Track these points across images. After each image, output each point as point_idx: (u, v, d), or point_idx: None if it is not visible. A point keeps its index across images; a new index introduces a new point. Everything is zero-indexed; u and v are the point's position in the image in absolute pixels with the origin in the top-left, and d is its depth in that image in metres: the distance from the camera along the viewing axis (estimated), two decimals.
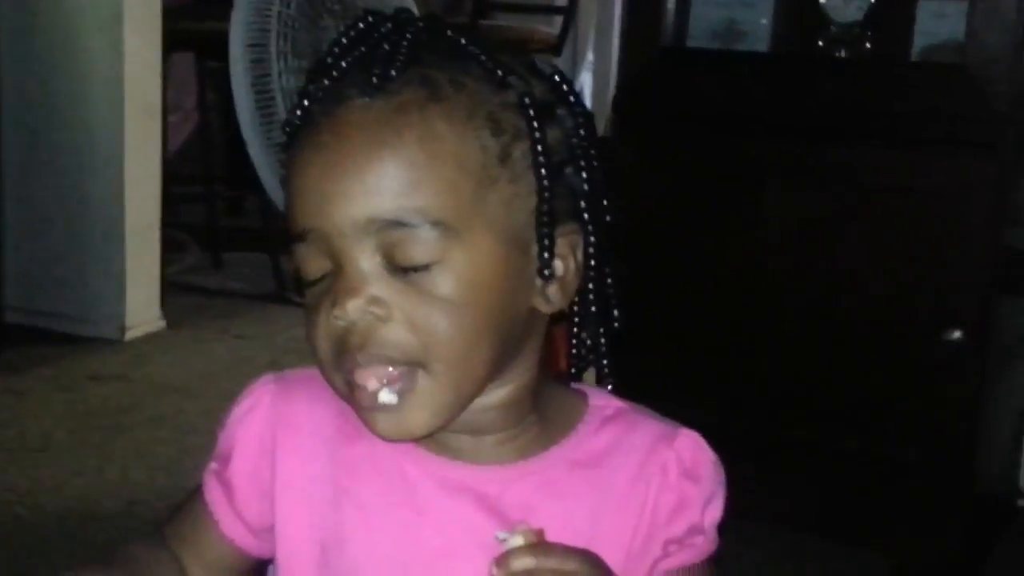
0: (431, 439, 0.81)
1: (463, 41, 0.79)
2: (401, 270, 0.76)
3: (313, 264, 0.77)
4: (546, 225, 0.79)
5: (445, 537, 0.80)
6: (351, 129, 0.75)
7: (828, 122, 1.99)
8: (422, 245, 0.75)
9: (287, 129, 0.80)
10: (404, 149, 0.75)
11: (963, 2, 1.90)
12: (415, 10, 2.44)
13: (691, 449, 0.83)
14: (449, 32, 0.79)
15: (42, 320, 3.20)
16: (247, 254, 3.98)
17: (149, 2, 3.13)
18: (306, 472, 0.83)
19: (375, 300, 0.75)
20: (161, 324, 3.27)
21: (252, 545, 0.86)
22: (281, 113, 2.09)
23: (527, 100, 0.78)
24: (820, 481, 2.00)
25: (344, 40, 0.79)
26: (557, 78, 0.82)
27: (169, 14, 3.22)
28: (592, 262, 0.82)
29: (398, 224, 0.75)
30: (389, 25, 0.79)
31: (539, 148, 0.78)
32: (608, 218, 0.82)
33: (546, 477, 0.81)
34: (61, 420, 2.65)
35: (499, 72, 0.78)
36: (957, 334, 1.86)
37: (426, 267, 0.76)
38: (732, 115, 2.05)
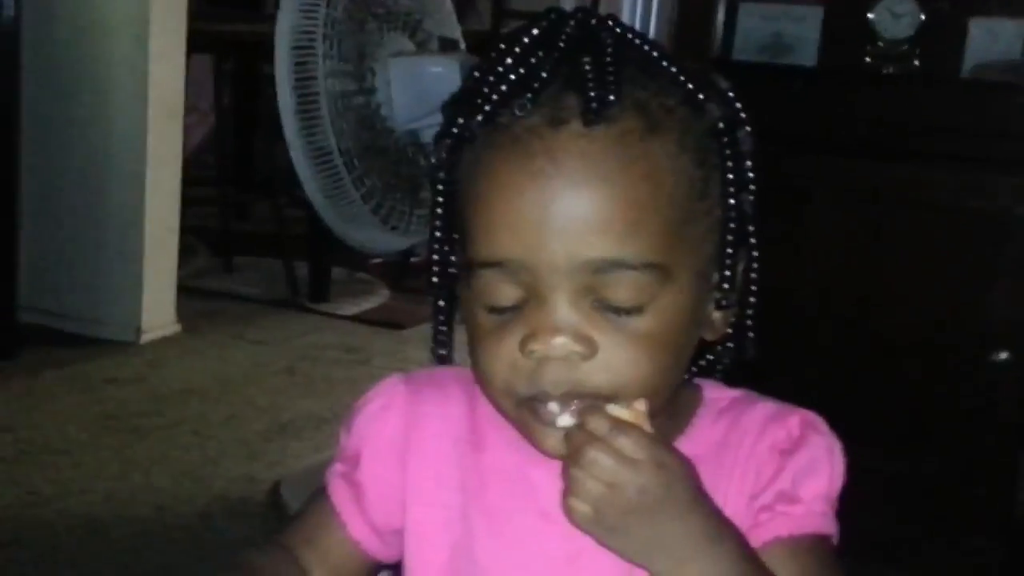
0: None
1: (657, 55, 0.75)
2: (612, 311, 0.73)
3: (504, 292, 0.74)
4: (732, 256, 0.77)
5: (574, 541, 0.77)
6: (573, 161, 0.71)
7: (874, 138, 1.99)
8: (637, 287, 0.72)
9: (465, 133, 0.74)
10: (629, 186, 0.71)
11: (1017, 21, 1.90)
12: (452, 12, 2.43)
13: (801, 426, 0.81)
14: (643, 43, 0.76)
15: (58, 321, 3.17)
16: (258, 259, 3.95)
17: (174, 3, 3.11)
18: (437, 476, 0.82)
19: (580, 338, 0.72)
20: (176, 328, 3.25)
21: (378, 548, 0.84)
22: (325, 117, 2.06)
23: (722, 126, 0.75)
24: (861, 503, 1.98)
25: (527, 41, 0.75)
26: (732, 94, 0.79)
27: (189, 16, 3.19)
28: (753, 287, 0.80)
29: (618, 266, 0.72)
30: (573, 26, 0.75)
31: (731, 178, 0.75)
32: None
33: None
34: (80, 423, 2.62)
35: (700, 96, 0.75)
36: (1004, 355, 1.86)
37: (638, 309, 0.73)
38: (778, 129, 2.03)
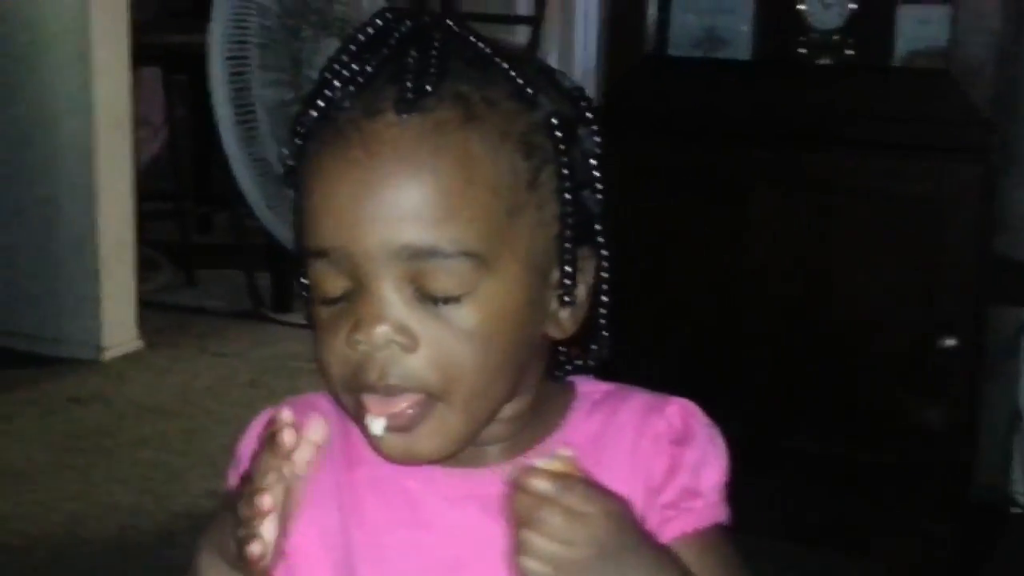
0: None
1: (490, 51, 0.76)
2: (431, 300, 0.74)
3: (332, 282, 0.75)
4: (571, 252, 0.77)
5: (454, 548, 0.79)
6: (386, 148, 0.73)
7: (811, 128, 2.01)
8: (454, 276, 0.73)
9: (301, 130, 0.76)
10: (442, 174, 0.73)
11: (945, 7, 1.92)
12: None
13: (681, 415, 0.82)
14: (476, 40, 0.77)
15: (18, 342, 3.15)
16: (220, 271, 3.95)
17: (116, 15, 3.09)
18: (312, 498, 0.81)
19: (401, 329, 0.73)
20: (139, 344, 3.24)
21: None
22: (263, 126, 2.08)
23: (555, 121, 0.76)
24: (813, 490, 2.01)
25: (362, 39, 0.76)
26: (577, 93, 0.80)
27: (135, 28, 3.19)
28: (603, 285, 0.81)
29: (432, 253, 0.73)
30: (408, 25, 0.77)
31: (566, 173, 0.77)
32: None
33: None
34: (43, 444, 2.62)
35: (529, 90, 0.76)
36: (951, 341, 1.88)
37: (456, 299, 0.74)
38: (715, 122, 2.06)
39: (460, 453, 0.79)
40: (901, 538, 1.94)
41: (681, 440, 0.81)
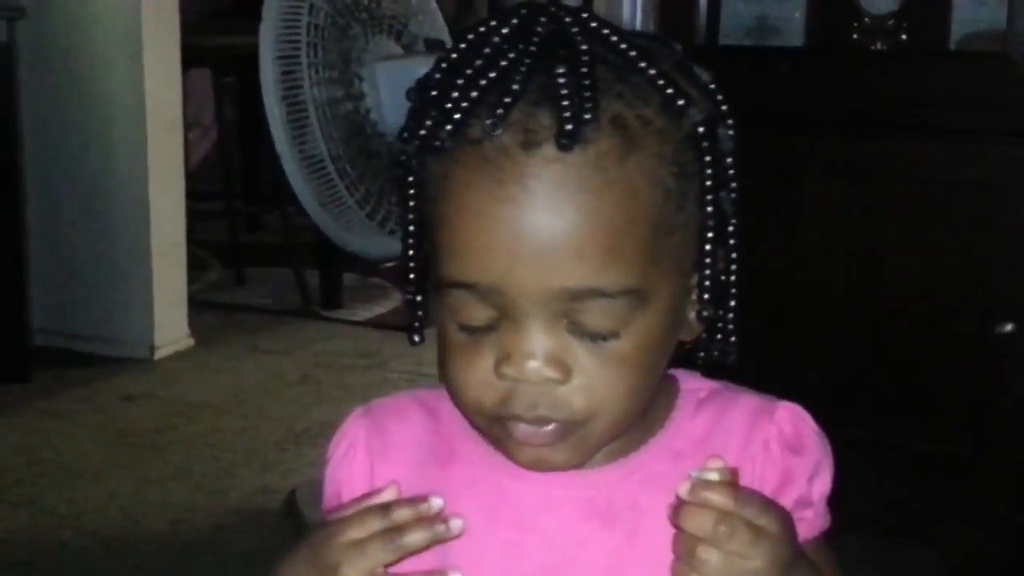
0: None
1: (635, 54, 0.70)
2: (588, 335, 0.70)
3: (475, 311, 0.71)
4: (712, 256, 0.74)
5: (554, 552, 0.77)
6: (547, 187, 0.67)
7: (866, 115, 1.97)
8: (613, 314, 0.70)
9: (437, 144, 0.70)
10: (605, 213, 0.68)
11: None
12: (438, 13, 2.43)
13: (792, 421, 0.79)
14: (619, 41, 0.71)
15: (71, 342, 3.19)
16: (269, 269, 3.97)
17: (167, 18, 3.13)
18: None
19: (555, 363, 0.70)
20: (189, 342, 3.26)
21: None
22: (314, 125, 2.07)
23: (702, 130, 0.71)
24: (873, 479, 1.97)
25: (498, 40, 0.70)
26: (713, 87, 0.76)
27: (185, 30, 3.21)
28: (733, 288, 0.77)
29: (593, 294, 0.69)
30: (544, 21, 0.71)
31: (710, 182, 0.72)
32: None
33: (650, 472, 0.77)
34: (97, 442, 2.64)
35: (680, 101, 0.70)
36: (1009, 327, 1.84)
37: (614, 334, 0.70)
38: (769, 111, 2.02)
39: None
40: (966, 528, 1.90)
41: (794, 448, 0.78)
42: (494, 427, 0.74)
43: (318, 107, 2.13)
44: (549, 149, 0.67)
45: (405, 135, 0.73)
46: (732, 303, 0.77)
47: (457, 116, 0.69)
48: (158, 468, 2.51)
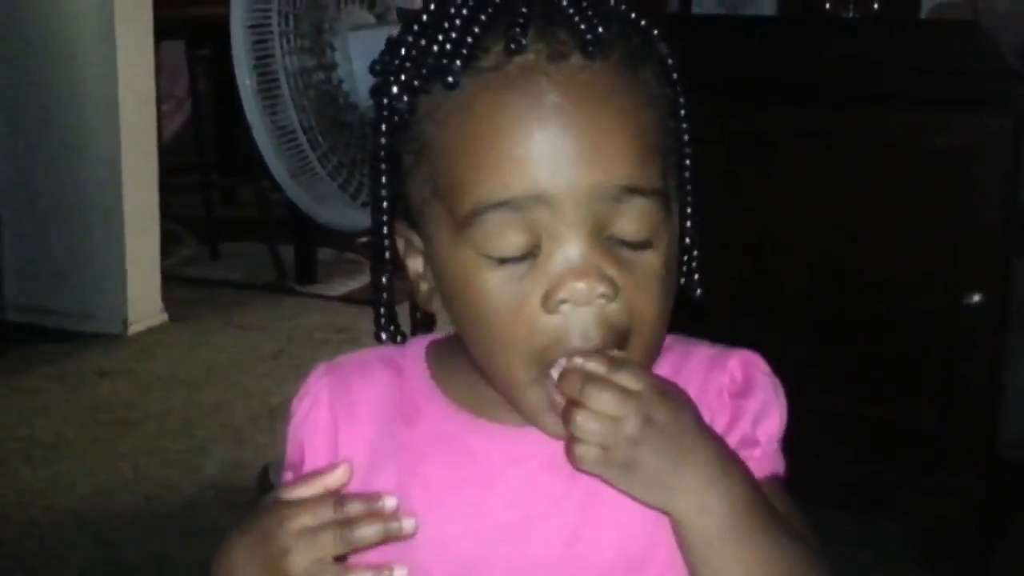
0: (498, 405, 0.78)
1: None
2: (626, 245, 0.72)
3: (512, 239, 0.71)
4: (692, 195, 0.78)
5: (517, 508, 0.77)
6: (583, 91, 0.71)
7: (838, 83, 1.97)
8: (648, 218, 0.72)
9: (451, 80, 0.71)
10: (636, 113, 0.72)
11: None
12: None
13: (743, 367, 0.80)
14: None
15: (44, 318, 3.17)
16: (244, 244, 3.95)
17: None
18: (371, 457, 0.80)
19: (605, 279, 0.71)
20: (163, 317, 3.25)
21: None
22: (286, 95, 2.05)
23: (670, 61, 0.76)
24: (842, 450, 1.98)
25: None
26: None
27: (157, 2, 3.18)
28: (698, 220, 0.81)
29: (633, 193, 0.71)
30: None
31: (684, 105, 0.77)
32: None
33: None
34: (70, 418, 2.62)
35: (654, 31, 0.75)
36: (977, 297, 1.84)
37: (649, 243, 0.72)
38: (742, 80, 2.02)
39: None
40: (931, 496, 1.91)
41: (741, 391, 0.79)
42: (536, 392, 0.73)
43: (290, 77, 2.11)
44: (576, 59, 0.71)
45: (397, 87, 0.74)
46: (696, 244, 0.81)
47: (466, 49, 0.71)
48: (131, 444, 2.50)
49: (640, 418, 0.69)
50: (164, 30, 3.37)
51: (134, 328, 3.16)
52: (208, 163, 4.03)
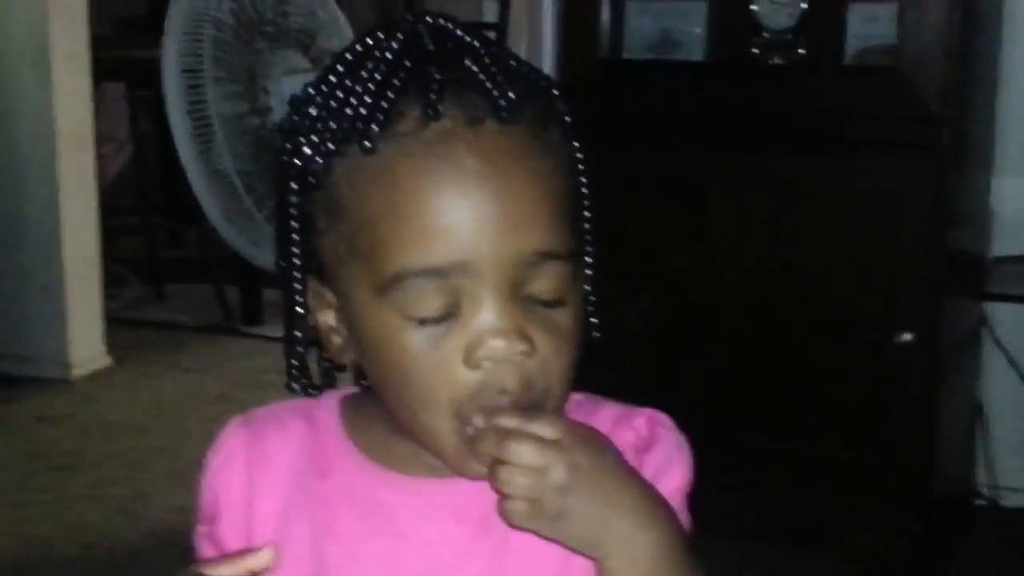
0: (410, 458, 0.79)
1: (506, 55, 0.77)
2: (540, 304, 0.74)
3: (433, 301, 0.72)
4: (592, 244, 0.79)
5: (430, 559, 0.78)
6: (499, 157, 0.72)
7: (765, 127, 2.01)
8: (562, 277, 0.74)
9: (369, 145, 0.72)
10: (549, 177, 0.74)
11: (893, 4, 1.93)
12: (347, 26, 2.44)
13: (648, 425, 0.81)
14: (492, 47, 0.77)
15: None
16: (189, 285, 3.93)
17: (76, 33, 3.09)
18: (284, 511, 0.81)
19: (523, 337, 0.72)
20: (107, 360, 3.23)
21: None
22: (220, 140, 2.07)
23: (568, 119, 0.78)
24: (775, 487, 2.01)
25: (396, 47, 0.74)
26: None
27: (97, 43, 3.18)
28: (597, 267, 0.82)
29: (547, 256, 0.73)
30: (426, 32, 0.75)
31: (584, 164, 0.78)
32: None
33: None
34: (9, 464, 2.60)
35: (554, 89, 0.77)
36: (908, 336, 1.88)
37: (561, 301, 0.74)
38: (670, 124, 2.06)
39: (435, 461, 0.78)
40: (865, 534, 1.94)
41: (644, 448, 0.80)
42: (461, 440, 0.74)
43: (224, 122, 2.13)
44: (491, 123, 0.72)
45: (310, 148, 0.75)
46: (595, 289, 0.82)
47: (382, 114, 0.72)
48: (72, 490, 2.48)
49: (564, 465, 0.70)
50: (104, 72, 3.37)
51: (77, 372, 3.14)
52: (151, 204, 4.02)
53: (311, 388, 0.83)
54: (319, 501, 0.81)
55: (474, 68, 0.74)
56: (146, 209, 3.97)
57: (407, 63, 0.74)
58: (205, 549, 0.83)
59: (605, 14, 2.11)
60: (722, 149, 2.02)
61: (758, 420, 2.00)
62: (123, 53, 3.59)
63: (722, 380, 2.03)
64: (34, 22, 3.01)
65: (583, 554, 0.73)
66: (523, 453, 0.70)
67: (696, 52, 2.14)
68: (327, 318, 0.80)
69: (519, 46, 5.05)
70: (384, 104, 0.73)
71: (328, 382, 0.85)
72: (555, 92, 0.78)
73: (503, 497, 0.71)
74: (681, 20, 2.14)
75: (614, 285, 2.16)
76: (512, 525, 0.72)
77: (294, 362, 0.82)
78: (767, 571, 2.01)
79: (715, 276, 2.02)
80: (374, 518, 0.79)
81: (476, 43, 0.76)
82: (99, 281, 3.23)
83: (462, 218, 0.71)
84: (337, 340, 0.80)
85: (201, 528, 0.84)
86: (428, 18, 0.77)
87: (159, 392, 3.07)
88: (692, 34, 2.13)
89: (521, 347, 0.72)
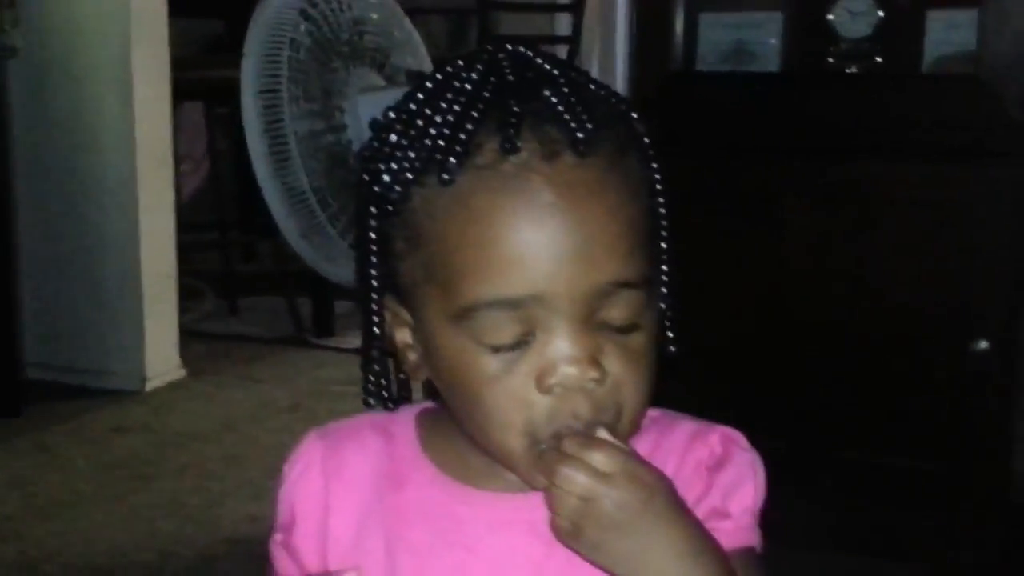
0: (484, 473, 0.79)
1: (586, 79, 0.77)
2: (613, 330, 0.74)
3: (508, 329, 0.73)
4: (668, 263, 0.80)
5: (500, 572, 0.78)
6: (575, 190, 0.72)
7: (843, 138, 1.98)
8: (637, 305, 0.74)
9: (447, 177, 0.73)
10: (624, 207, 0.74)
11: (973, 10, 1.90)
12: (421, 45, 2.45)
13: (723, 443, 0.81)
14: (572, 72, 0.77)
15: (63, 375, 3.20)
16: (263, 298, 3.98)
17: (158, 54, 3.16)
18: (359, 523, 0.81)
19: (594, 365, 0.73)
20: (181, 373, 3.27)
21: None
22: (296, 158, 2.08)
23: (647, 140, 0.78)
24: (854, 498, 1.98)
25: (475, 77, 0.75)
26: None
27: (177, 64, 3.24)
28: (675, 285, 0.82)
29: (622, 286, 0.73)
30: (506, 59, 0.76)
31: (661, 188, 0.79)
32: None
33: None
34: (87, 474, 2.64)
35: (632, 114, 0.77)
36: (984, 345, 1.85)
37: (636, 326, 0.75)
38: (746, 136, 2.04)
39: (511, 476, 0.78)
40: (946, 543, 1.90)
41: (718, 465, 0.80)
42: (535, 459, 0.74)
43: (300, 140, 2.15)
44: (568, 156, 0.73)
45: (389, 175, 0.75)
46: (673, 304, 0.82)
47: (460, 146, 0.73)
48: (147, 499, 2.51)
49: (611, 501, 0.71)
50: (183, 92, 3.43)
51: (152, 384, 3.18)
52: (227, 220, 4.07)
53: (389, 403, 0.84)
54: (393, 514, 0.81)
55: (553, 99, 0.74)
56: (222, 225, 4.03)
57: (486, 94, 0.74)
58: (280, 558, 0.84)
59: (679, 26, 2.10)
60: (799, 161, 1.99)
61: (840, 432, 1.97)
62: (201, 73, 3.65)
63: (804, 393, 2.00)
64: (118, 44, 3.08)
65: None
66: (574, 481, 0.71)
67: (771, 63, 2.12)
68: (404, 336, 0.81)
69: (591, 59, 5.06)
70: (463, 136, 0.73)
71: (405, 396, 0.86)
72: (634, 116, 0.78)
73: (552, 512, 0.73)
74: (756, 31, 2.12)
75: (694, 302, 2.16)
76: (557, 539, 0.73)
77: (371, 378, 0.83)
78: None
79: (794, 290, 2.00)
80: (446, 532, 0.80)
81: (556, 71, 0.76)
82: (175, 296, 3.29)
83: (537, 251, 0.72)
84: (413, 357, 0.81)
85: (277, 537, 0.84)
86: (509, 46, 0.78)
87: (231, 404, 3.10)
88: (767, 45, 2.12)
89: (593, 374, 0.73)
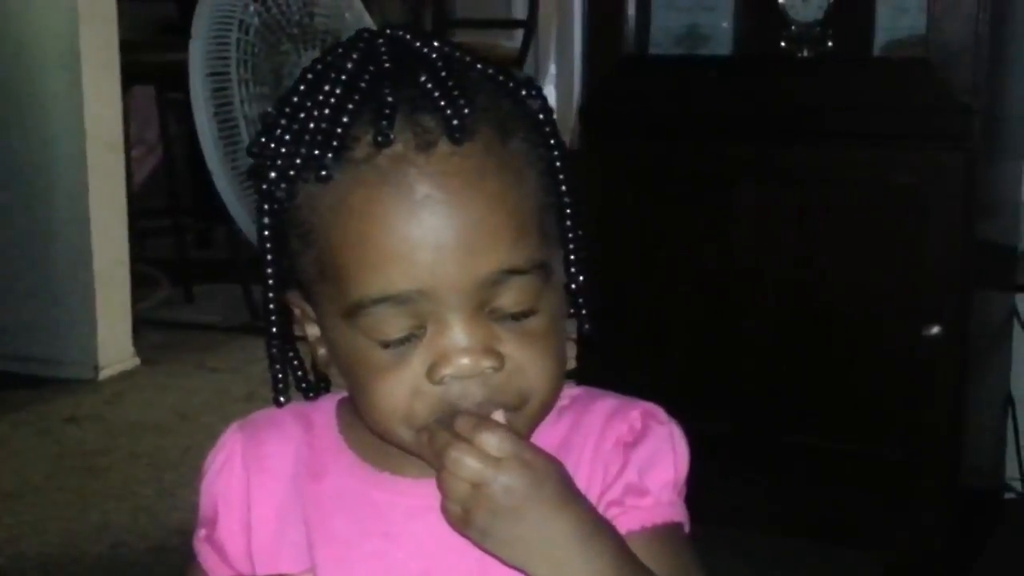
0: (401, 459, 0.79)
1: (471, 60, 0.76)
2: (508, 317, 0.73)
3: (397, 324, 0.73)
4: (575, 241, 0.78)
5: (420, 558, 0.78)
6: (452, 180, 0.71)
7: (794, 122, 1.99)
8: (529, 290, 0.73)
9: (324, 173, 0.72)
10: (506, 195, 0.72)
11: None
12: (374, 27, 2.43)
13: (642, 418, 0.81)
14: (456, 52, 0.76)
15: (13, 364, 3.16)
16: (218, 286, 3.95)
17: (106, 37, 3.11)
18: (279, 514, 0.81)
19: (488, 353, 0.72)
20: (135, 361, 3.24)
21: None
22: (245, 141, 2.06)
23: (542, 117, 0.77)
24: (804, 483, 1.99)
25: (351, 67, 0.73)
26: (534, 81, 0.80)
27: (127, 48, 3.20)
28: (573, 259, 0.80)
29: (510, 274, 0.72)
30: (386, 44, 0.74)
31: (562, 165, 0.77)
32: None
33: None
34: (38, 464, 2.61)
35: (522, 91, 0.76)
36: (936, 330, 1.86)
37: (532, 311, 0.74)
38: (699, 119, 2.04)
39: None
40: (896, 529, 1.91)
41: (636, 441, 0.80)
42: (422, 438, 0.74)
43: (249, 123, 2.13)
44: (444, 145, 0.71)
45: (274, 172, 0.74)
46: (583, 277, 0.80)
47: (336, 140, 0.71)
48: (99, 490, 2.49)
49: (498, 486, 0.70)
50: (135, 75, 3.38)
51: (105, 373, 3.15)
52: (180, 206, 4.03)
53: (308, 392, 0.84)
54: (313, 504, 0.81)
55: (428, 85, 0.72)
56: (176, 211, 3.98)
57: (362, 84, 0.72)
58: (205, 554, 0.84)
59: (631, 9, 2.09)
60: (750, 144, 1.99)
61: (787, 416, 1.98)
62: (153, 56, 3.60)
63: (752, 376, 2.00)
64: (65, 26, 3.03)
65: (516, 568, 0.73)
66: (463, 465, 0.70)
67: (723, 47, 2.12)
68: (313, 330, 0.81)
69: (548, 43, 5.05)
70: (338, 130, 0.72)
71: (324, 386, 0.85)
72: (524, 92, 0.76)
73: (444, 497, 0.72)
74: (708, 15, 2.12)
75: (644, 284, 2.16)
76: (448, 524, 0.72)
77: (279, 376, 0.82)
78: (798, 567, 1.99)
79: (744, 272, 2.00)
80: (366, 519, 0.80)
81: (434, 55, 0.74)
82: (128, 283, 3.25)
83: (418, 246, 0.71)
84: (322, 352, 0.81)
85: (200, 533, 0.84)
86: (388, 30, 0.76)
87: (185, 392, 3.07)
88: (719, 28, 2.11)
89: (487, 363, 0.72)
